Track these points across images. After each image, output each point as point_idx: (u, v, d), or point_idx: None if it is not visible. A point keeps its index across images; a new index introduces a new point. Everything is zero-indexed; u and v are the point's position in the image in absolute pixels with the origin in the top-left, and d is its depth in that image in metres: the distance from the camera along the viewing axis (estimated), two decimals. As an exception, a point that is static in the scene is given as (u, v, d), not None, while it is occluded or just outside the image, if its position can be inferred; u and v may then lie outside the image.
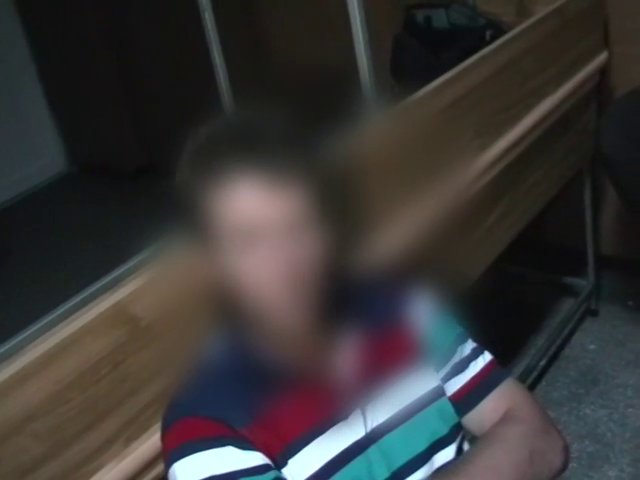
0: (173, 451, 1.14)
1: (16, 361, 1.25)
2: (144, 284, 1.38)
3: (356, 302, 1.31)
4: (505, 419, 1.30)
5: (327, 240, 1.13)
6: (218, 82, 2.30)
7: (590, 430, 2.70)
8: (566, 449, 1.31)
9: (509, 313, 3.23)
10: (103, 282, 1.49)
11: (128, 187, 4.71)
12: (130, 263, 1.54)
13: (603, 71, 2.86)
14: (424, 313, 1.35)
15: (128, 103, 4.72)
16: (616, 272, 3.31)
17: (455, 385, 1.34)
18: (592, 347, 3.09)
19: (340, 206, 1.21)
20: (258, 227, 1.08)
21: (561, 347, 3.09)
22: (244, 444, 1.13)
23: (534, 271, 3.44)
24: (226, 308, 1.23)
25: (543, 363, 2.99)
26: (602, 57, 2.82)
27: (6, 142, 4.76)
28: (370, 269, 1.49)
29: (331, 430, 1.20)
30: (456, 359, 1.35)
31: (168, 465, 1.15)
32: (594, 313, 3.25)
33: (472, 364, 1.36)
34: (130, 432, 1.37)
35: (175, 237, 1.43)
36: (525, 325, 3.24)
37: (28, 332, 1.36)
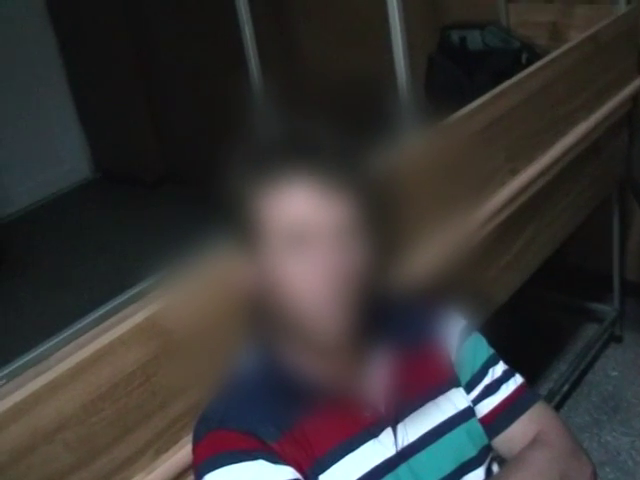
0: (204, 463, 1.14)
1: (49, 370, 1.26)
2: (178, 297, 1.39)
3: (390, 320, 1.31)
4: (534, 443, 1.30)
5: (370, 251, 1.14)
6: (254, 95, 2.30)
7: (611, 457, 2.68)
8: (595, 474, 1.30)
9: (532, 337, 3.22)
10: (132, 292, 1.50)
11: (152, 195, 4.75)
12: (159, 275, 1.54)
13: (635, 98, 2.84)
14: (456, 334, 1.35)
15: (154, 113, 4.77)
16: (641, 299, 3.29)
17: (486, 407, 1.34)
18: (615, 374, 3.07)
19: (383, 219, 1.22)
20: (310, 230, 1.09)
21: (584, 373, 3.08)
22: (275, 458, 1.13)
23: (559, 295, 3.43)
24: (262, 318, 1.23)
25: (566, 388, 2.97)
26: (635, 84, 2.80)
27: (34, 147, 4.82)
28: (403, 289, 1.49)
29: (362, 447, 1.20)
30: (487, 381, 1.35)
31: (199, 477, 1.14)
32: (618, 339, 3.23)
33: (503, 386, 1.36)
34: (160, 444, 1.38)
35: (208, 247, 1.44)
36: (548, 349, 3.22)
37: (55, 340, 1.37)
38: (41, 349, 1.35)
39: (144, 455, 1.36)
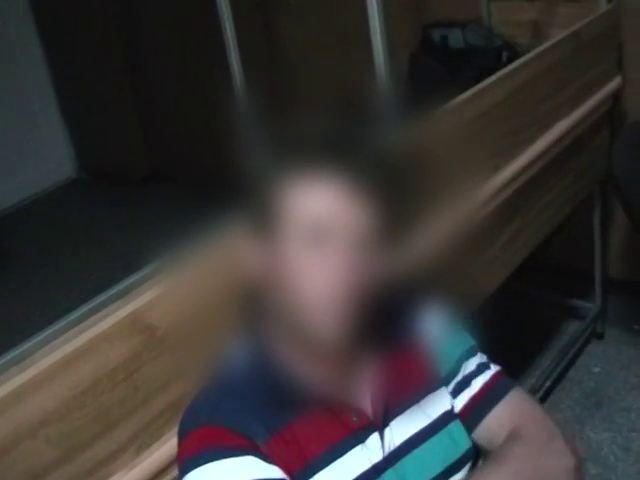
0: (189, 459, 1.12)
1: (33, 366, 1.26)
2: (161, 293, 1.39)
3: (386, 325, 1.29)
4: (510, 438, 1.27)
5: (382, 263, 1.13)
6: (235, 93, 2.30)
7: (593, 453, 2.69)
8: (577, 469, 1.24)
9: (515, 333, 3.23)
10: (116, 289, 1.49)
11: (136, 194, 4.74)
12: (143, 271, 1.54)
13: (616, 96, 2.86)
14: (436, 331, 1.35)
15: (138, 111, 4.75)
16: (623, 295, 3.29)
17: (460, 403, 1.33)
18: (597, 370, 3.09)
19: (398, 230, 1.20)
20: (332, 230, 1.08)
21: (566, 369, 3.09)
22: (263, 457, 1.12)
23: (541, 292, 3.44)
24: (258, 313, 1.22)
25: (548, 384, 2.99)
26: (615, 82, 2.82)
27: (17, 145, 4.79)
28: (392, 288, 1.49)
29: (349, 453, 1.18)
30: (459, 377, 1.34)
31: (183, 472, 1.12)
32: (600, 336, 3.25)
33: (474, 381, 1.34)
34: (142, 440, 1.38)
35: (193, 244, 1.44)
36: (530, 346, 3.24)
37: (39, 337, 1.36)
38: (25, 346, 1.34)
39: (126, 451, 1.36)
